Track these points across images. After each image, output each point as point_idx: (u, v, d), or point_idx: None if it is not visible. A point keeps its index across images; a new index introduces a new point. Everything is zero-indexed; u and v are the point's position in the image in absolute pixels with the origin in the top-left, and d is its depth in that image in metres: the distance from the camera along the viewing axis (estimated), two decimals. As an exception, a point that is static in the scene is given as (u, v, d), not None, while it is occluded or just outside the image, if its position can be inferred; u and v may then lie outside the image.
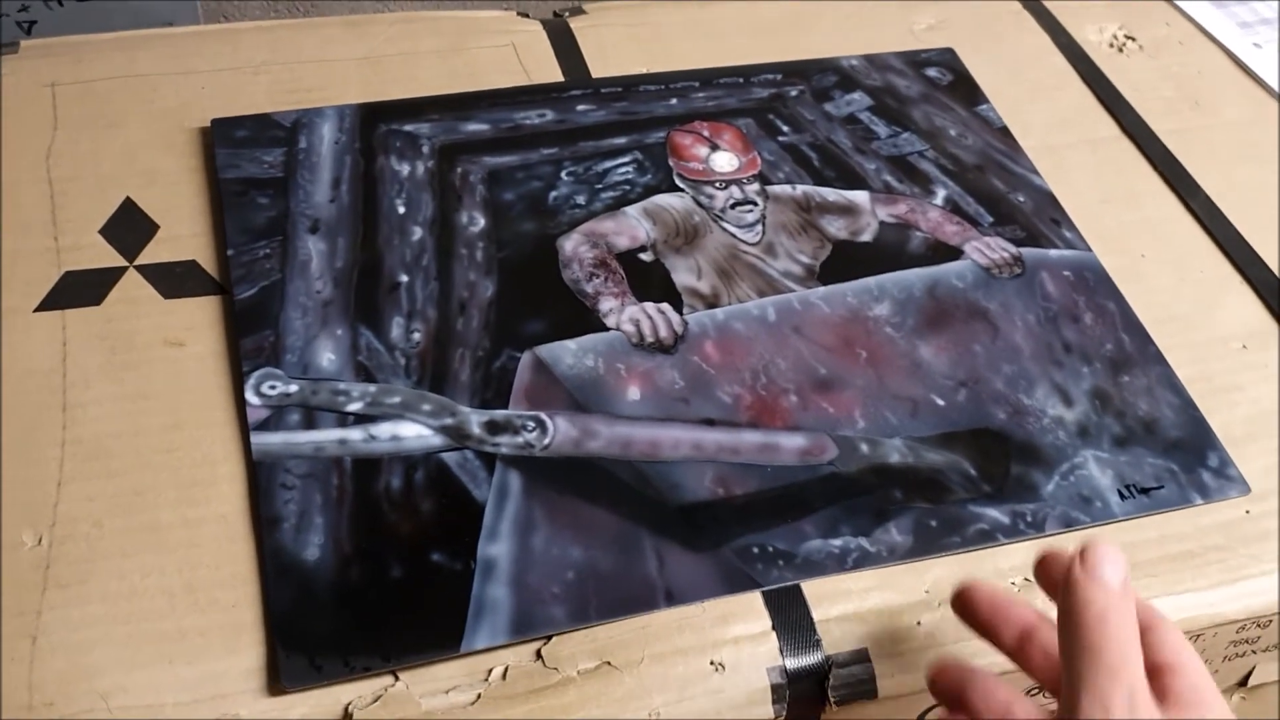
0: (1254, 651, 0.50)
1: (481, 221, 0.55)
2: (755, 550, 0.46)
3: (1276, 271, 0.59)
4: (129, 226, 0.53)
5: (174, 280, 0.51)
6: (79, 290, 0.51)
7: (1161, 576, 0.47)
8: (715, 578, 0.45)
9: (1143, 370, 0.54)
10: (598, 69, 0.65)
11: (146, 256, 0.52)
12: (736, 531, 0.46)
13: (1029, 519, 0.48)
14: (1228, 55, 0.74)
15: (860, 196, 0.60)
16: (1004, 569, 0.47)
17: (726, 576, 0.45)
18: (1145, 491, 0.50)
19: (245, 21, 0.66)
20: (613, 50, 0.66)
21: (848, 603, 0.45)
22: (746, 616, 0.44)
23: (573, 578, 0.44)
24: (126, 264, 0.52)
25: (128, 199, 0.54)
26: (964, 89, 0.67)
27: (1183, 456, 0.51)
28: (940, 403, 0.51)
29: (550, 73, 0.64)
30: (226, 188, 0.54)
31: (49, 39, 0.62)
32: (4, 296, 0.50)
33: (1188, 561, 0.48)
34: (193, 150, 0.57)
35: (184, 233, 0.53)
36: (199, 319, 0.50)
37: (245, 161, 0.56)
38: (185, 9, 0.70)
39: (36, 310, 0.50)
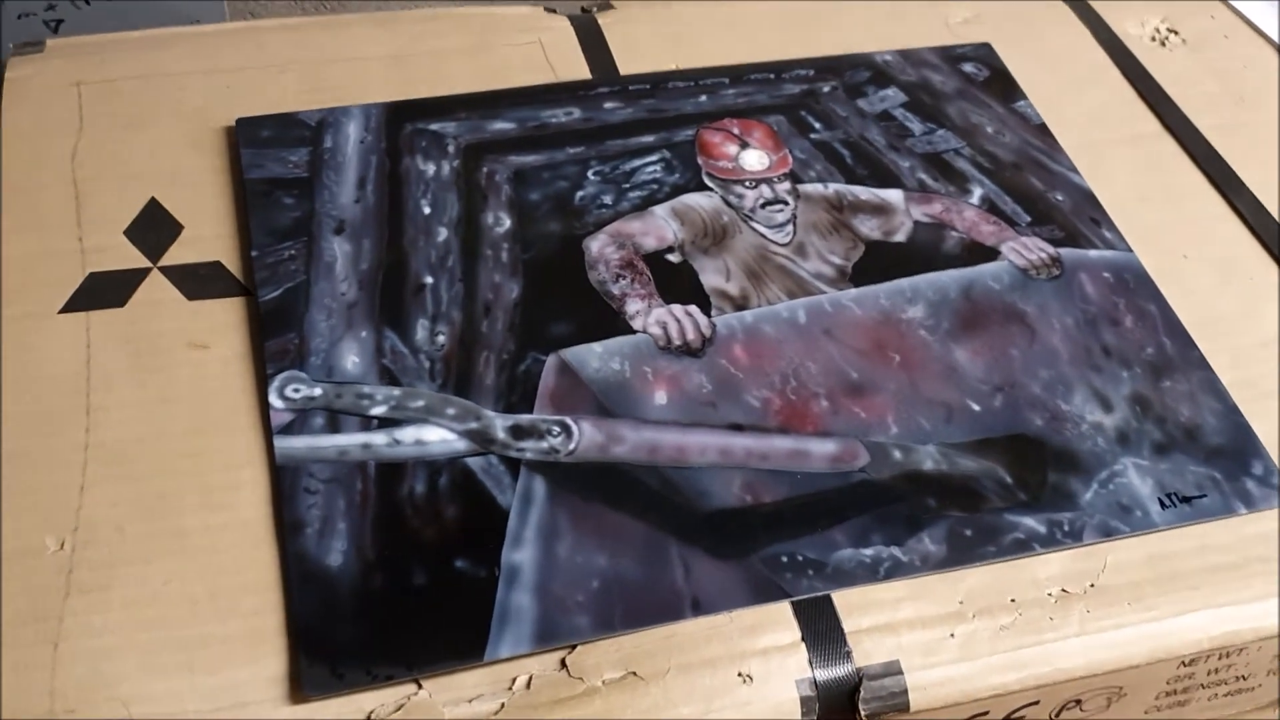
0: (1301, 665, 0.48)
1: (507, 222, 0.55)
2: (784, 559, 0.45)
3: (1324, 272, 0.58)
4: (153, 227, 0.53)
5: (198, 282, 0.51)
6: (103, 292, 0.50)
7: (1202, 589, 0.46)
8: (743, 587, 0.44)
9: (1184, 375, 0.53)
10: (626, 66, 0.64)
11: (171, 258, 0.52)
12: (765, 540, 0.45)
13: (1066, 528, 0.47)
14: (1276, 49, 0.72)
15: (894, 195, 0.59)
16: (1040, 579, 0.46)
17: (755, 586, 0.44)
18: (1187, 500, 0.48)
19: (271, 19, 0.65)
20: (641, 46, 0.65)
21: (879, 613, 0.44)
22: (775, 627, 0.43)
23: (598, 586, 0.43)
24: (150, 265, 0.51)
25: (153, 199, 0.54)
26: (1001, 85, 0.65)
27: (1226, 464, 0.50)
28: (976, 408, 0.50)
29: (578, 70, 0.63)
30: (251, 188, 0.54)
31: (75, 38, 0.62)
32: (28, 299, 0.50)
33: (1231, 573, 0.47)
34: (218, 149, 0.57)
35: (208, 233, 0.53)
36: (223, 321, 0.50)
37: (270, 161, 0.55)
38: (212, 7, 0.70)
39: (61, 312, 0.50)
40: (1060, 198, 0.60)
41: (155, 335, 0.49)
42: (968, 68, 0.66)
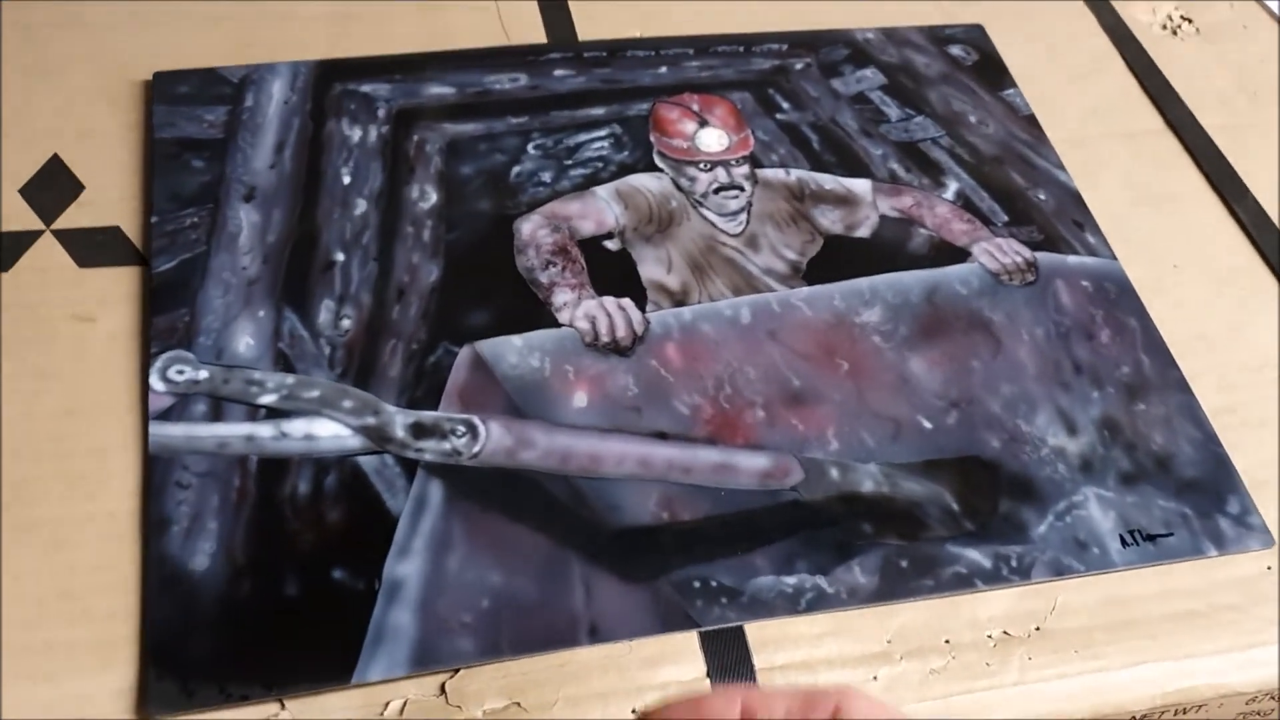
0: (1266, 726, 0.44)
1: (433, 197, 0.50)
2: (697, 584, 0.41)
3: (1326, 291, 0.53)
4: (52, 186, 0.49)
5: (92, 248, 0.47)
6: (-12, 254, 0.47)
7: (1160, 639, 0.42)
8: (648, 614, 0.40)
9: (1161, 398, 0.48)
10: (586, 31, 0.59)
11: (66, 220, 0.48)
12: (677, 562, 0.41)
13: (1014, 564, 0.43)
14: (1297, 42, 0.66)
15: (861, 186, 0.54)
16: (980, 619, 0.42)
17: (661, 613, 0.40)
18: (1151, 539, 0.44)
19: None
20: (606, 11, 0.60)
21: (796, 650, 0.40)
22: (679, 659, 0.39)
23: (487, 605, 0.39)
24: (44, 227, 0.48)
25: (55, 155, 0.50)
26: (990, 70, 0.60)
27: (1198, 500, 0.45)
28: (927, 425, 0.46)
29: (534, 34, 0.59)
30: (160, 149, 0.50)
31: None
32: (-91, 258, 0.46)
33: (1193, 622, 0.43)
34: (133, 105, 0.53)
35: (111, 196, 0.49)
36: (114, 292, 0.46)
37: (184, 120, 0.51)
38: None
39: (-59, 275, 0.46)
40: (1042, 196, 0.55)
41: (38, 304, 0.45)
42: (955, 50, 0.61)
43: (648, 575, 0.41)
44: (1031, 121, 0.58)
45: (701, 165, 0.53)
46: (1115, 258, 0.53)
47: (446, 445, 0.43)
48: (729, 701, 0.26)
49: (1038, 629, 0.42)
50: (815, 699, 0.26)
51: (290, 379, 0.44)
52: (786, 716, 0.26)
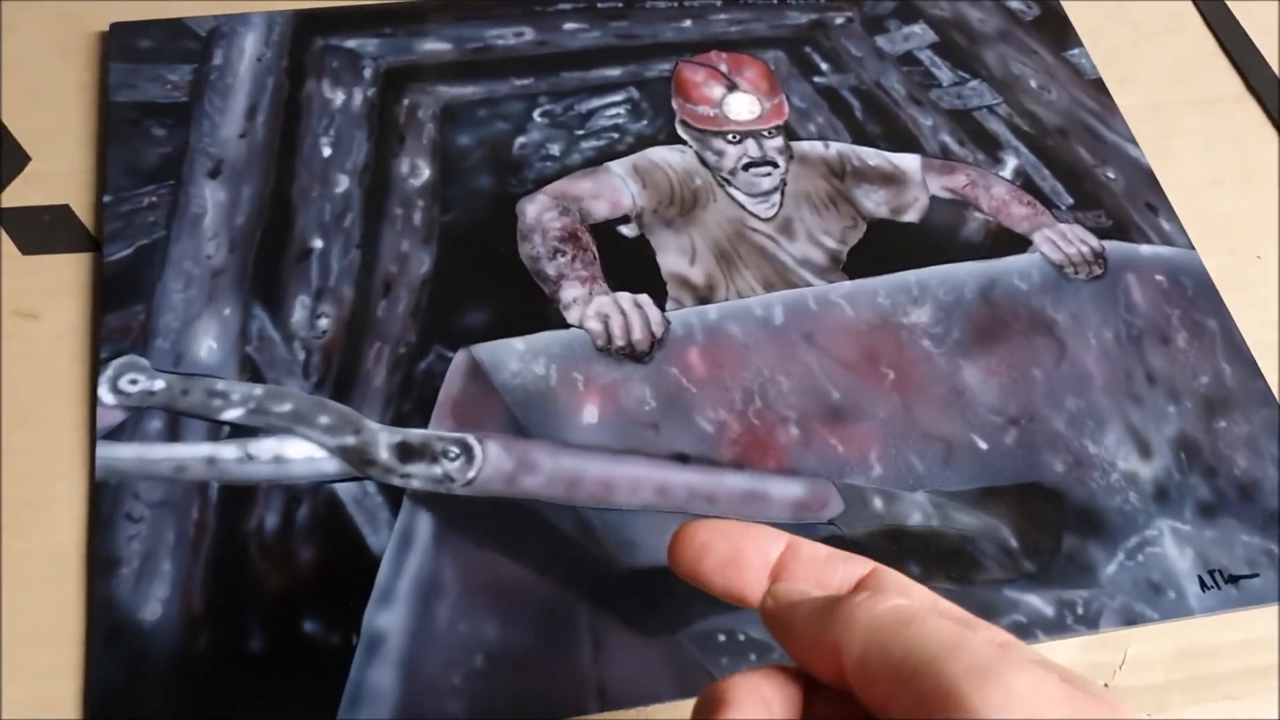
0: (1354, 794, 0.39)
1: (426, 172, 0.44)
2: (721, 637, 0.36)
3: None
4: (-6, 156, 0.43)
5: (39, 231, 0.42)
6: (-81, 237, 0.41)
7: (1243, 699, 0.37)
8: (665, 673, 0.35)
9: (1245, 413, 0.43)
10: (601, -23, 0.53)
11: (10, 197, 0.43)
12: (699, 610, 0.36)
13: (1080, 611, 0.38)
14: (1390, -5, 0.59)
15: (909, 162, 0.48)
16: (1041, 675, 0.37)
17: (680, 672, 0.35)
18: (1234, 580, 0.39)
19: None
20: (622, -46, 0.54)
21: (833, 715, 0.35)
22: (700, 727, 0.35)
23: (481, 664, 0.34)
24: (-17, 205, 0.42)
25: (-2, 120, 0.44)
26: (1053, 27, 0.54)
27: (1287, 534, 0.40)
28: (982, 446, 0.41)
29: (542, -20, 0.52)
30: (116, 114, 0.44)
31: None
32: None
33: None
34: (87, 62, 0.47)
35: (61, 168, 0.44)
36: (62, 283, 0.41)
37: (144, 80, 0.45)
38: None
39: None
40: (1111, 175, 0.49)
41: (-25, 297, 0.40)
42: (1014, 4, 0.54)
43: (665, 626, 0.36)
44: (1099, 86, 0.52)
45: (730, 136, 0.47)
46: (1193, 247, 0.47)
47: (437, 470, 0.37)
48: (777, 534, 0.26)
49: (1106, 686, 0.37)
50: (854, 557, 0.26)
51: (258, 390, 0.38)
52: (829, 559, 0.26)
